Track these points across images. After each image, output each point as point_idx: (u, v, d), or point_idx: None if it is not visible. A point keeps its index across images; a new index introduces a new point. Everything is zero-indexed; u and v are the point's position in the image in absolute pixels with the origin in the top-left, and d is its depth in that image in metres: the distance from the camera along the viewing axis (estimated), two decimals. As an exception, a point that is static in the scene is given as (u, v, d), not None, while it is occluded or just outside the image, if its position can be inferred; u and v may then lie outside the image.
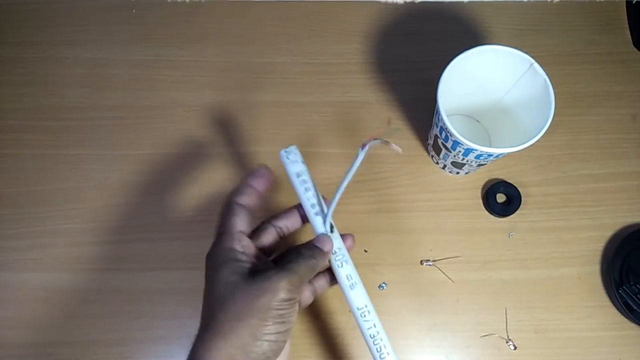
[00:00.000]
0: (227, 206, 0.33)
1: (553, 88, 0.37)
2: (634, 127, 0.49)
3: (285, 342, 0.30)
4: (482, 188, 0.48)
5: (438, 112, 0.38)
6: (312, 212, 0.33)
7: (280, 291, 0.29)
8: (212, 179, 0.48)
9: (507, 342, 0.44)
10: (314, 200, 0.33)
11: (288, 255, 0.32)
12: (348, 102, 0.50)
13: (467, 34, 0.52)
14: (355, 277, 0.33)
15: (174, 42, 0.52)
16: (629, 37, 0.52)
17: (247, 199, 0.33)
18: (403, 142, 0.49)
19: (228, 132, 0.49)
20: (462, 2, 0.53)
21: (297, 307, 0.31)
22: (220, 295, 0.29)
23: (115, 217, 0.47)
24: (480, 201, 0.47)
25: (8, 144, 0.49)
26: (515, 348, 0.44)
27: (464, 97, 0.44)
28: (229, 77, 0.51)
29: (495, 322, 0.44)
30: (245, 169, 0.48)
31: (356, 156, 0.30)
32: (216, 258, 0.31)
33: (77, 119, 0.50)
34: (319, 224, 0.33)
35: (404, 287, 0.45)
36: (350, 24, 0.52)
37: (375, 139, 0.30)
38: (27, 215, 0.47)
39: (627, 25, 0.52)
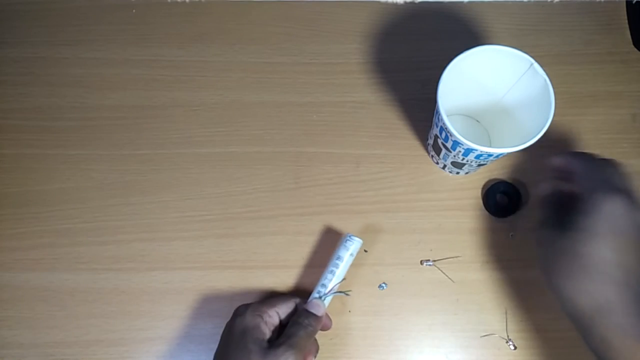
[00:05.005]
0: (287, 297, 0.40)
1: (553, 88, 0.37)
2: (634, 127, 0.49)
3: None
4: (482, 188, 0.48)
5: (438, 112, 0.38)
6: (319, 285, 0.41)
7: None
8: (212, 179, 0.48)
9: (507, 342, 0.44)
10: (326, 282, 0.41)
11: (289, 328, 0.38)
12: (348, 102, 0.50)
13: (467, 34, 0.52)
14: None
15: (174, 42, 0.52)
16: (629, 37, 0.52)
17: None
18: (403, 142, 0.49)
19: (228, 132, 0.49)
20: (462, 2, 0.53)
21: None
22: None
23: (115, 217, 0.47)
24: (480, 201, 0.47)
25: (8, 144, 0.49)
26: (515, 348, 0.44)
27: (464, 97, 0.44)
28: (229, 77, 0.51)
29: (495, 322, 0.44)
30: (245, 168, 0.48)
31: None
32: (245, 321, 0.37)
33: (77, 119, 0.50)
34: (316, 293, 0.41)
35: (404, 287, 0.45)
36: (350, 24, 0.52)
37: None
38: (27, 215, 0.47)
39: (627, 25, 0.52)
